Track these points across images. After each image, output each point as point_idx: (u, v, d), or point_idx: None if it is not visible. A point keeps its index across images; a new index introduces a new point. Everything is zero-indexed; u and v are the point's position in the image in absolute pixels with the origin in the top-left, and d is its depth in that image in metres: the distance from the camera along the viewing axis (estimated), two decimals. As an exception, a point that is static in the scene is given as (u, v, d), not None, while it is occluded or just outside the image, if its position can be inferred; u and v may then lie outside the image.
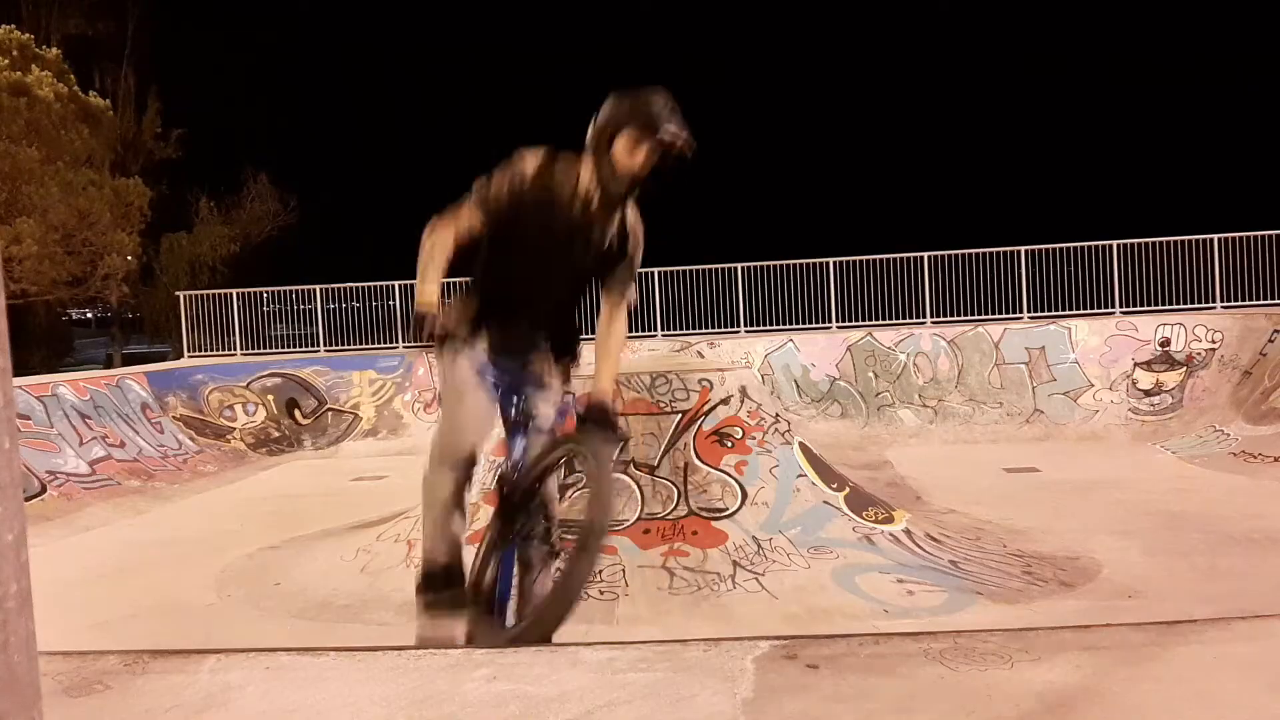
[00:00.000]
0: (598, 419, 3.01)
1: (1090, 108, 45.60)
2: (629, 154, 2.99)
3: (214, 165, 27.21)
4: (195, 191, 26.82)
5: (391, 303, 18.14)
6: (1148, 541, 7.87)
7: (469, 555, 3.19)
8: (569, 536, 2.96)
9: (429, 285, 3.02)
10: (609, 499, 2.80)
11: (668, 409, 7.75)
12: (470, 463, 3.06)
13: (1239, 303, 15.41)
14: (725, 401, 7.82)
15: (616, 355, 3.25)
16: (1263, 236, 15.46)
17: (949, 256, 16.62)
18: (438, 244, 3.05)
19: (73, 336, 34.82)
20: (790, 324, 17.02)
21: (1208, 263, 15.55)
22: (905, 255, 16.63)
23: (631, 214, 3.18)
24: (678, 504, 7.32)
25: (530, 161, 3.08)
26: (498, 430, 3.31)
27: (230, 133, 30.65)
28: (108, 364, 26.94)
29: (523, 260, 3.10)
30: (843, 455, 11.56)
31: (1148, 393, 14.06)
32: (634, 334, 17.37)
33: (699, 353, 15.75)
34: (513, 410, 3.20)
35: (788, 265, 17.17)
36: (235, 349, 18.37)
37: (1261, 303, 15.28)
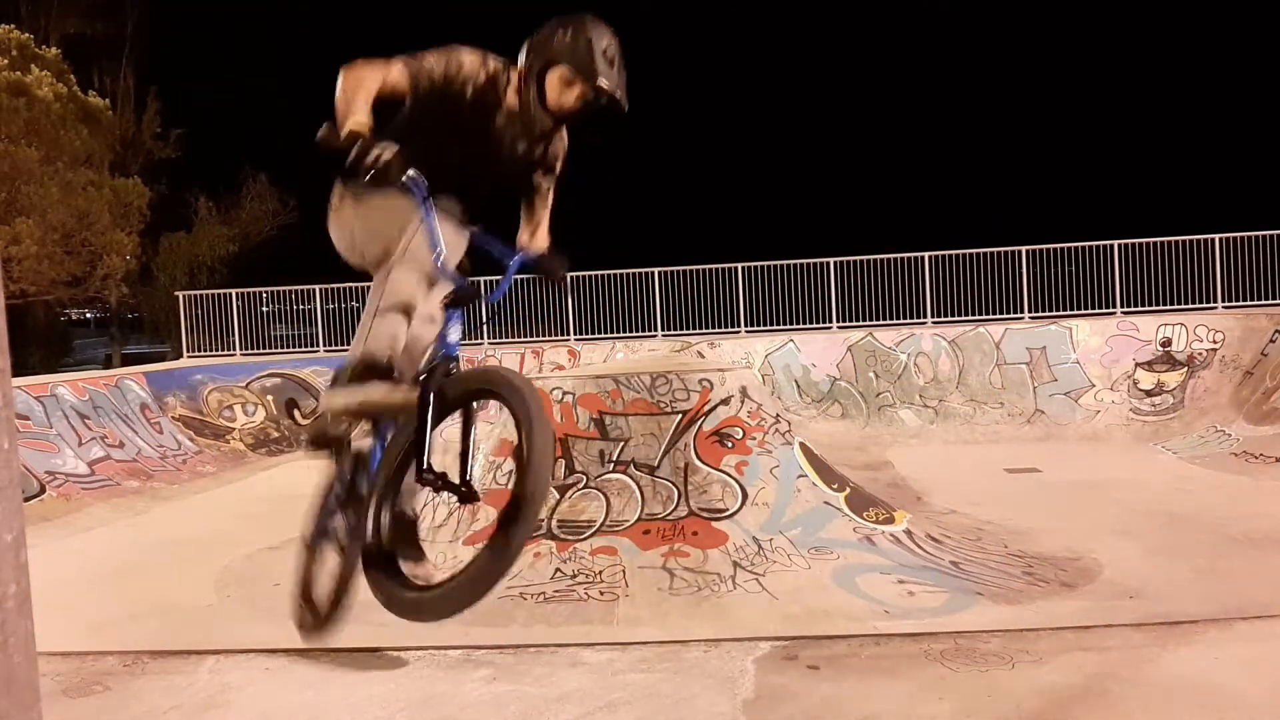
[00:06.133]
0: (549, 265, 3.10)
1: (1091, 107, 45.61)
2: (559, 91, 2.85)
3: (213, 165, 27.22)
4: (194, 191, 26.84)
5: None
6: (1149, 542, 7.86)
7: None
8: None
9: (360, 115, 2.66)
10: (546, 448, 2.51)
11: (668, 409, 7.75)
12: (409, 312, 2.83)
13: (1240, 303, 15.40)
14: (726, 402, 7.82)
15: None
16: (1264, 236, 15.45)
17: (950, 256, 16.61)
18: (366, 80, 2.73)
19: (72, 337, 34.81)
20: (790, 324, 17.01)
21: (1209, 263, 15.55)
22: (906, 255, 16.63)
23: (557, 141, 3.10)
24: (678, 504, 7.31)
25: (470, 61, 2.88)
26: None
27: (230, 133, 30.65)
28: (107, 364, 26.95)
29: (440, 152, 2.86)
30: (843, 456, 11.55)
31: (1149, 393, 14.05)
32: (634, 334, 17.38)
33: (699, 353, 15.75)
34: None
35: (788, 265, 17.17)
36: (235, 349, 18.36)
37: (1262, 303, 15.28)
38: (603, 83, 2.79)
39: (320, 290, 18.42)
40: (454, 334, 2.90)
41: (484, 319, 3.18)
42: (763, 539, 7.05)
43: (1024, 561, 7.36)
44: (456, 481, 2.78)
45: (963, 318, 16.23)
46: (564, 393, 7.87)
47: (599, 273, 17.40)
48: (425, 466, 2.80)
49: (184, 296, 19.10)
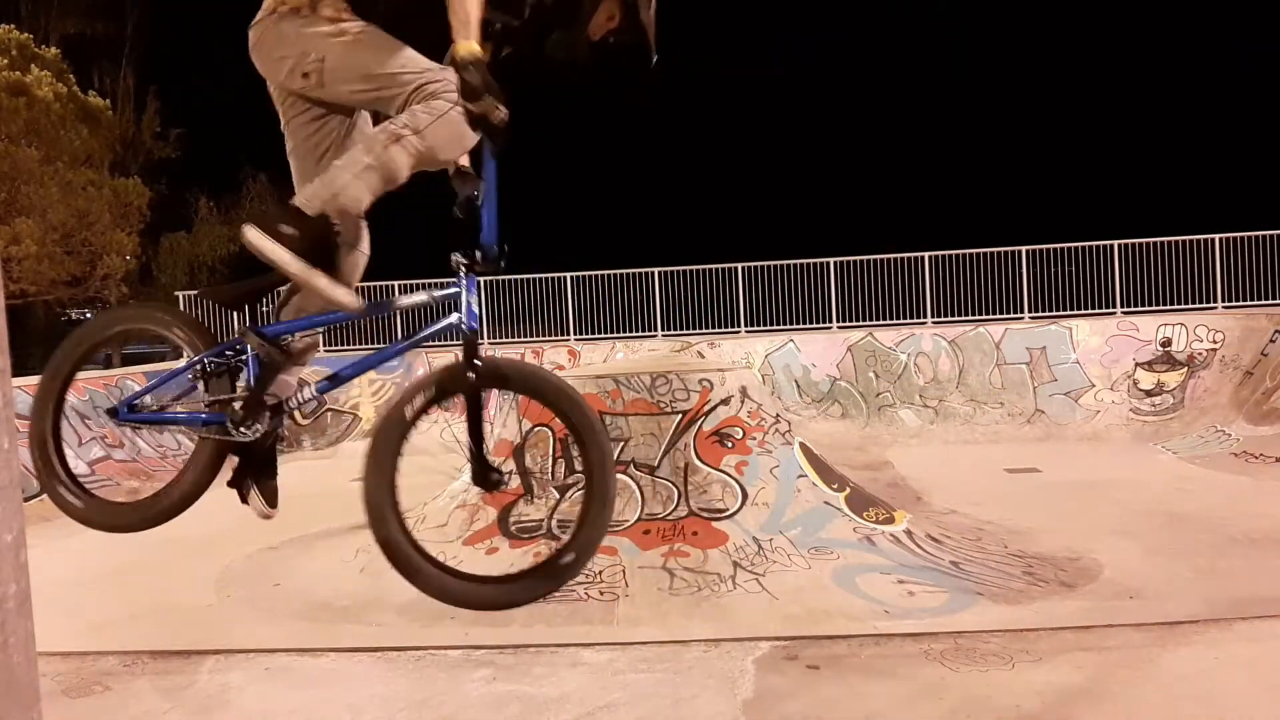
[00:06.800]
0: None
1: (1092, 107, 45.63)
2: (601, 22, 2.41)
3: (213, 165, 27.23)
4: (194, 191, 26.86)
5: (391, 303, 18.13)
6: (1149, 542, 7.86)
7: None
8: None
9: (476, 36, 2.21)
10: (601, 435, 2.34)
11: (668, 409, 7.75)
12: None
13: (1240, 303, 15.40)
14: (726, 402, 7.82)
15: None
16: (1264, 236, 15.45)
17: (950, 256, 16.61)
18: None
19: (72, 337, 34.80)
20: (790, 324, 17.01)
21: (1209, 263, 15.55)
22: (906, 255, 16.63)
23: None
24: (678, 504, 7.32)
25: None
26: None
27: (230, 133, 30.67)
28: (107, 364, 26.92)
29: None
30: (843, 456, 11.55)
31: (1149, 393, 14.05)
32: (635, 334, 17.38)
33: (699, 353, 15.74)
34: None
35: (788, 265, 17.16)
36: (235, 349, 18.36)
37: (1262, 303, 15.27)
38: (652, 40, 2.39)
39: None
40: (474, 303, 2.53)
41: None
42: (763, 539, 7.05)
43: (1024, 561, 7.36)
44: (480, 467, 2.50)
45: (963, 318, 16.23)
46: (564, 393, 7.87)
47: (599, 273, 17.40)
48: (486, 461, 2.47)
49: (184, 296, 19.09)
